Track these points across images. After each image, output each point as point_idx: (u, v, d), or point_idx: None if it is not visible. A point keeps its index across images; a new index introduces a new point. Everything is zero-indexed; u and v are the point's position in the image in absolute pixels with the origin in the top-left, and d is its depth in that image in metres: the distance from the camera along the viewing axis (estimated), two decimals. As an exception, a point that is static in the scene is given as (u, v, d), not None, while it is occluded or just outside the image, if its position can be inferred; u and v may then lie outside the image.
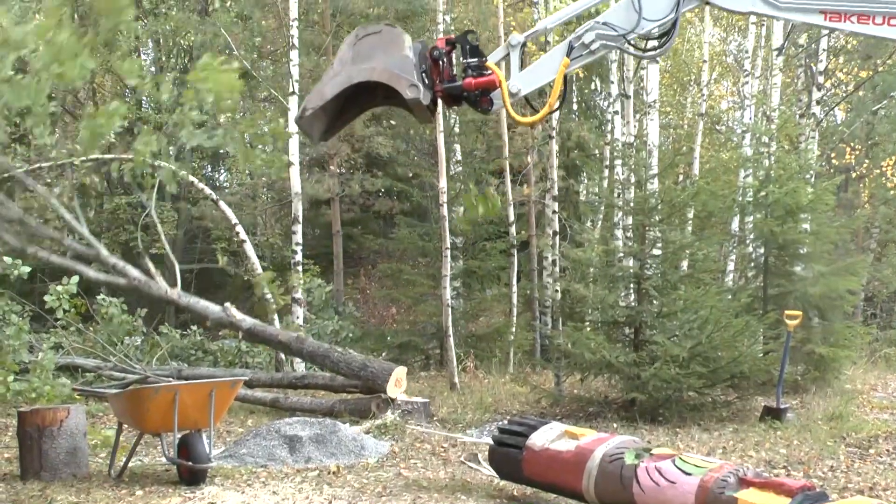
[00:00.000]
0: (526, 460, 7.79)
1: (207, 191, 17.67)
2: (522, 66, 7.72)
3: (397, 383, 12.82)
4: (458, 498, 8.21)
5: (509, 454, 8.00)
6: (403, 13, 25.83)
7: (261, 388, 14.69)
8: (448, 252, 17.12)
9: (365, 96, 7.08)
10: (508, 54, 7.51)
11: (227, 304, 14.36)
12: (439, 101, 7.28)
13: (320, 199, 25.32)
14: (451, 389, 15.83)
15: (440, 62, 7.28)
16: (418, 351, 20.46)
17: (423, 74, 7.30)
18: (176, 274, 14.01)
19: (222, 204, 17.49)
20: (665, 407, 12.99)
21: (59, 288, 15.34)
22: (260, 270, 17.06)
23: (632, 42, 7.39)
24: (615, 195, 16.78)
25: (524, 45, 7.64)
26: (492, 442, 8.38)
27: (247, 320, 14.14)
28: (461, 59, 7.44)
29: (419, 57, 7.26)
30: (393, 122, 26.38)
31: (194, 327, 19.70)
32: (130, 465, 9.65)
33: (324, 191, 24.00)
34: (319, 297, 22.28)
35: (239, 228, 17.33)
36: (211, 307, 14.26)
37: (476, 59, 7.39)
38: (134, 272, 14.54)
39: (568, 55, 7.56)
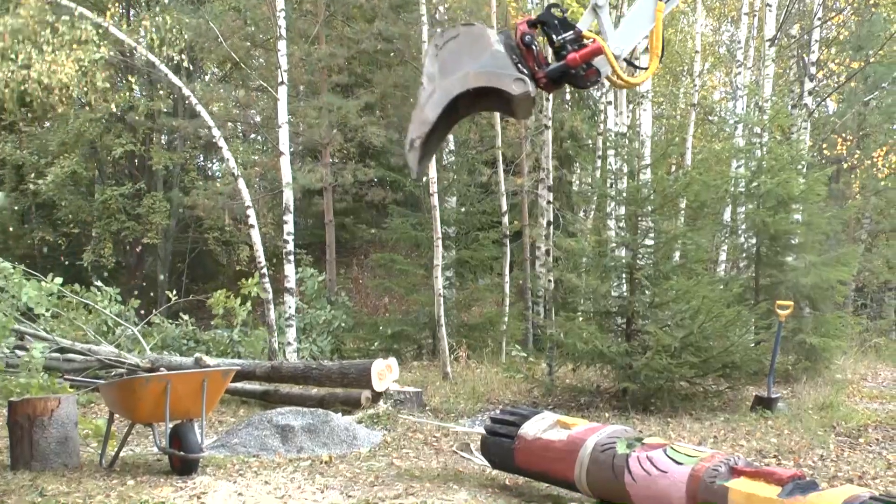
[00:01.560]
0: (518, 450, 7.78)
1: (231, 163, 17.42)
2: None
3: (381, 375, 12.77)
4: (450, 487, 8.21)
5: (501, 443, 7.99)
6: (396, 2, 25.78)
7: (250, 381, 14.71)
8: (440, 242, 17.09)
9: (453, 110, 6.69)
10: (597, 18, 7.31)
11: (199, 355, 15.07)
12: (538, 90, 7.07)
13: (313, 189, 25.28)
14: (444, 379, 15.82)
15: (532, 47, 7.03)
16: (411, 340, 20.43)
17: (518, 65, 7.06)
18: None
19: (241, 183, 17.29)
20: (657, 396, 13.00)
21: (37, 289, 15.25)
22: (262, 258, 16.98)
23: None
24: (608, 185, 16.76)
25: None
26: (484, 431, 8.37)
27: (221, 365, 14.28)
28: (553, 36, 7.17)
29: (508, 48, 7.02)
30: (387, 112, 26.37)
31: (186, 317, 19.68)
32: (122, 454, 9.64)
33: (316, 180, 23.95)
34: (312, 287, 22.27)
35: (250, 212, 17.18)
36: (185, 361, 14.96)
37: (571, 33, 7.14)
38: (106, 348, 14.78)
39: None
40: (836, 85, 29.43)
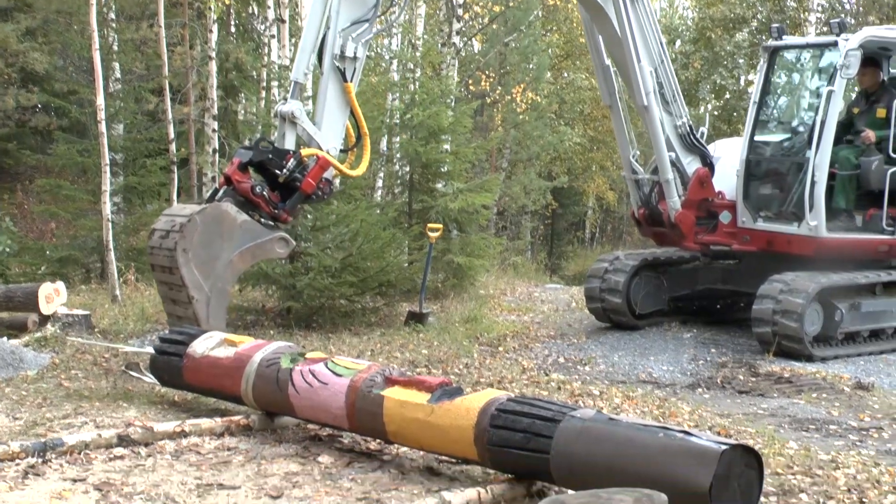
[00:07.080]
0: (186, 367, 7.64)
1: None
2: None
3: (48, 299, 12.14)
4: (120, 405, 7.96)
5: (170, 362, 7.81)
6: None
7: None
8: (108, 168, 16.37)
9: None
10: (296, 128, 7.06)
11: None
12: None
13: (-28, 114, 23.61)
14: (113, 302, 15.23)
15: (263, 193, 6.77)
16: (79, 265, 19.54)
17: (262, 221, 6.78)
18: None
19: None
20: (319, 314, 13.10)
21: None
22: None
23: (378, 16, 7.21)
24: (272, 115, 16.60)
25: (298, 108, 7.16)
26: (153, 351, 8.17)
27: None
28: (276, 171, 6.87)
29: (241, 206, 6.73)
30: (49, 38, 24.88)
31: None
32: None
33: (-25, 106, 22.37)
34: (-27, 213, 20.90)
35: None
36: None
37: (293, 161, 6.87)
38: None
39: (346, 80, 7.13)
40: (480, 26, 30.38)
